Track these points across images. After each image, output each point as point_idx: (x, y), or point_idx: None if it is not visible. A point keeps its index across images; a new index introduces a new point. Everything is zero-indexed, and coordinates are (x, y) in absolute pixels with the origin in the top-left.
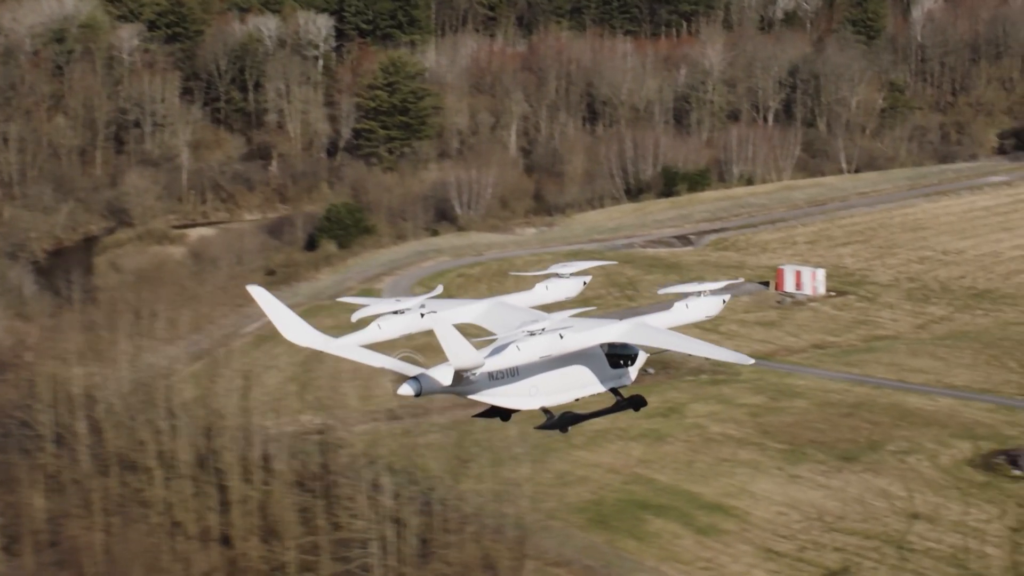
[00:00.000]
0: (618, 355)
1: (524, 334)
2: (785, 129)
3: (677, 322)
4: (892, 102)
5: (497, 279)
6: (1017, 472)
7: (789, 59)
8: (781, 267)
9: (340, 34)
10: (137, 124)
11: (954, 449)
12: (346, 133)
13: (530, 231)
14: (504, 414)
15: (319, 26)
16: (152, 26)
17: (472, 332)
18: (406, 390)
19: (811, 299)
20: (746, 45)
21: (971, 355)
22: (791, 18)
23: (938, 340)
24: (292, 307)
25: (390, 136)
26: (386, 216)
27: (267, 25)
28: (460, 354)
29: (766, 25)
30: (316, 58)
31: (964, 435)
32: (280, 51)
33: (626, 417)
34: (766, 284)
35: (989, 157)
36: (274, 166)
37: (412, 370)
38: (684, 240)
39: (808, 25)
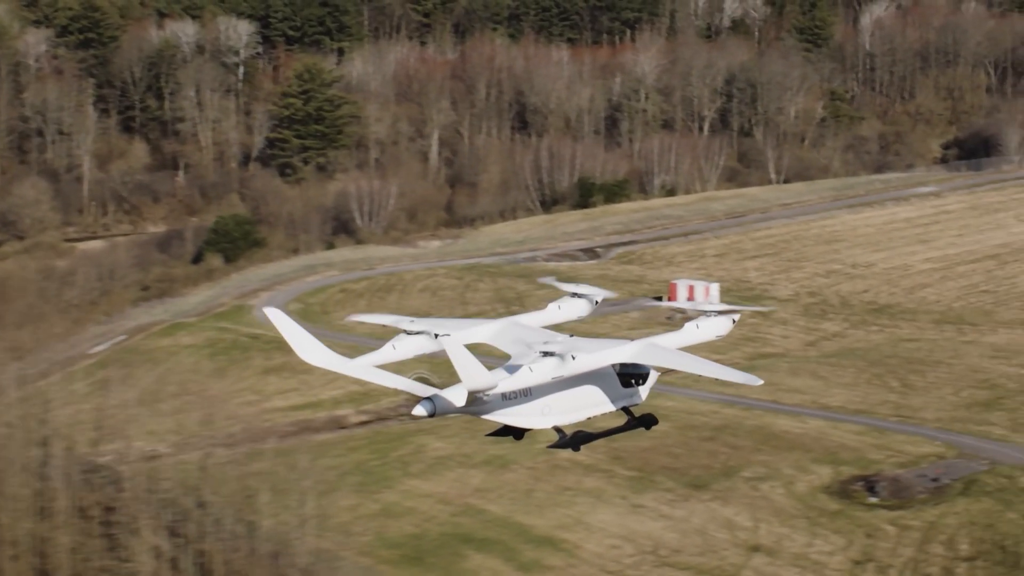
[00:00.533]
0: (629, 374)
1: (537, 355)
2: (711, 139)
3: (687, 342)
4: (833, 111)
5: (380, 295)
6: (873, 500)
7: (728, 67)
8: (674, 281)
9: (267, 40)
10: (40, 133)
11: (812, 475)
12: (260, 142)
13: (434, 244)
14: (517, 432)
15: (240, 32)
16: (64, 32)
17: (485, 352)
18: (420, 411)
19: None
20: (683, 53)
21: (853, 374)
22: (738, 26)
23: (824, 358)
24: (150, 323)
25: (304, 146)
26: (285, 229)
27: (185, 31)
28: (473, 376)
29: (713, 33)
30: (237, 65)
31: (826, 460)
32: (199, 58)
33: (474, 442)
34: (659, 299)
35: (928, 167)
36: (181, 177)
37: (426, 391)
38: (591, 253)
39: (756, 33)
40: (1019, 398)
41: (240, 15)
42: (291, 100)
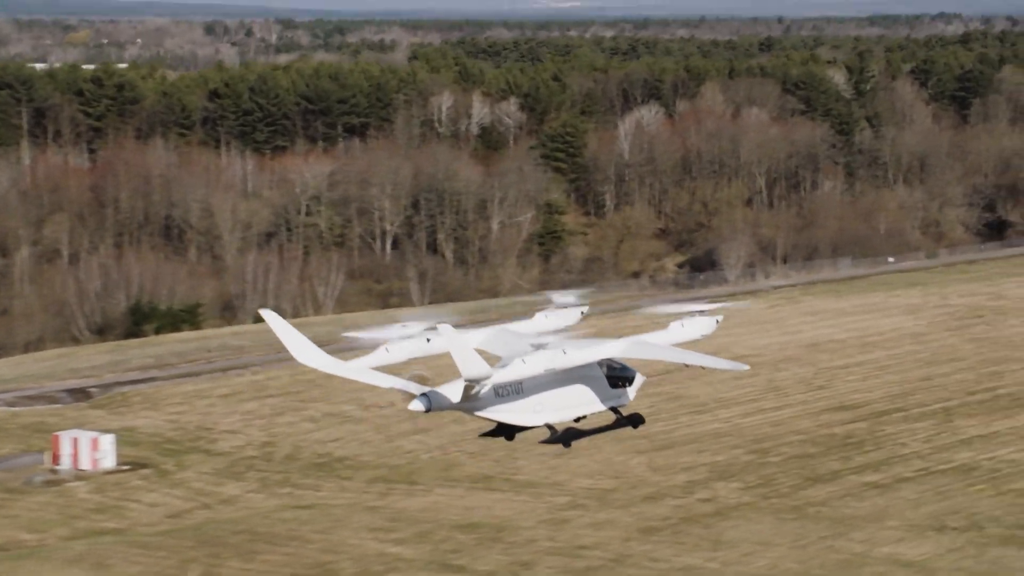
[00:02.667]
0: (617, 376)
1: (529, 348)
2: (325, 257)
3: (673, 340)
4: (549, 225)
5: None
6: None
7: (422, 176)
8: (57, 433)
9: None
10: None
11: None
12: None
13: None
14: (509, 433)
15: None
16: None
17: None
18: (416, 406)
19: (82, 475)
20: (375, 160)
21: (157, 560)
22: (487, 133)
23: (162, 535)
24: None
25: None
26: None
27: None
28: (469, 363)
29: (462, 141)
30: None
31: None
32: None
33: None
34: (42, 455)
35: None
36: None
37: (422, 389)
38: (82, 394)
39: (511, 141)
40: None
41: None
42: None
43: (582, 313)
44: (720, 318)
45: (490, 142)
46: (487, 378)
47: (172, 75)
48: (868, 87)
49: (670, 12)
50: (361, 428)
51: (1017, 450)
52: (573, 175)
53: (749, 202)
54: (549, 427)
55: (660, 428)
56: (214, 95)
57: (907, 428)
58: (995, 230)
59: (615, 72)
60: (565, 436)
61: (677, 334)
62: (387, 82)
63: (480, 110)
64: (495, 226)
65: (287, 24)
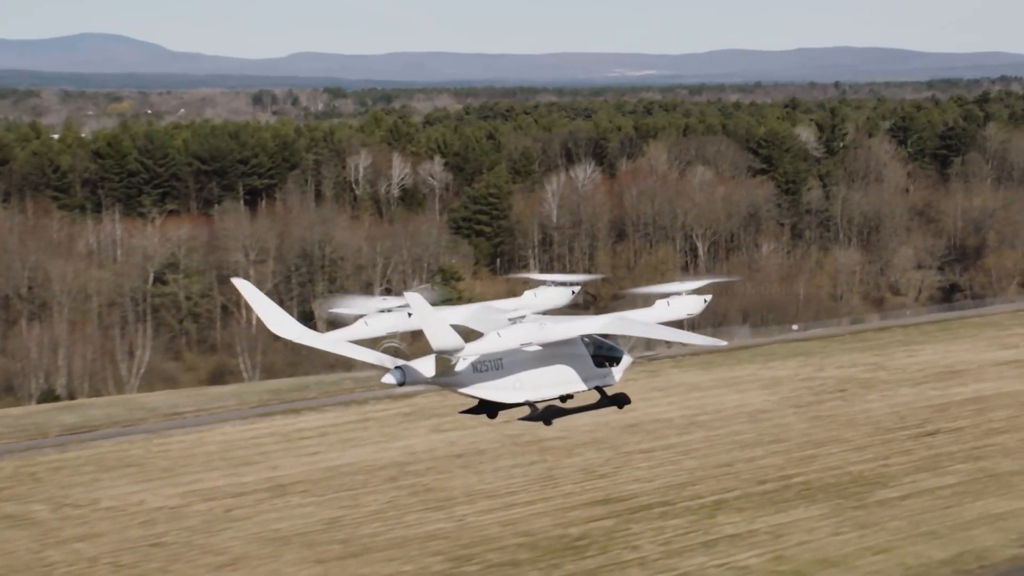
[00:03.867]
0: (603, 356)
1: (506, 322)
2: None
3: (658, 319)
4: (443, 293)
5: None
6: None
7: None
8: None
9: None
10: None
11: None
12: None
13: None
14: (492, 412)
15: None
16: None
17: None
18: (389, 379)
19: None
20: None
21: None
22: (409, 195)
23: None
24: None
25: None
26: None
27: None
28: (439, 333)
29: (388, 204)
30: None
31: None
32: None
33: None
34: None
35: None
36: None
37: (396, 362)
38: None
39: (437, 203)
40: None
41: None
42: None
43: (573, 293)
44: (708, 297)
45: (412, 203)
46: (460, 351)
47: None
48: (841, 145)
49: (732, 78)
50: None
51: (759, 554)
52: (497, 238)
53: (685, 266)
54: (530, 405)
55: (372, 530)
56: (97, 156)
57: (657, 526)
58: (948, 293)
59: (559, 131)
60: (545, 414)
61: (662, 313)
62: (293, 141)
63: (401, 170)
64: (377, 292)
65: (336, 92)
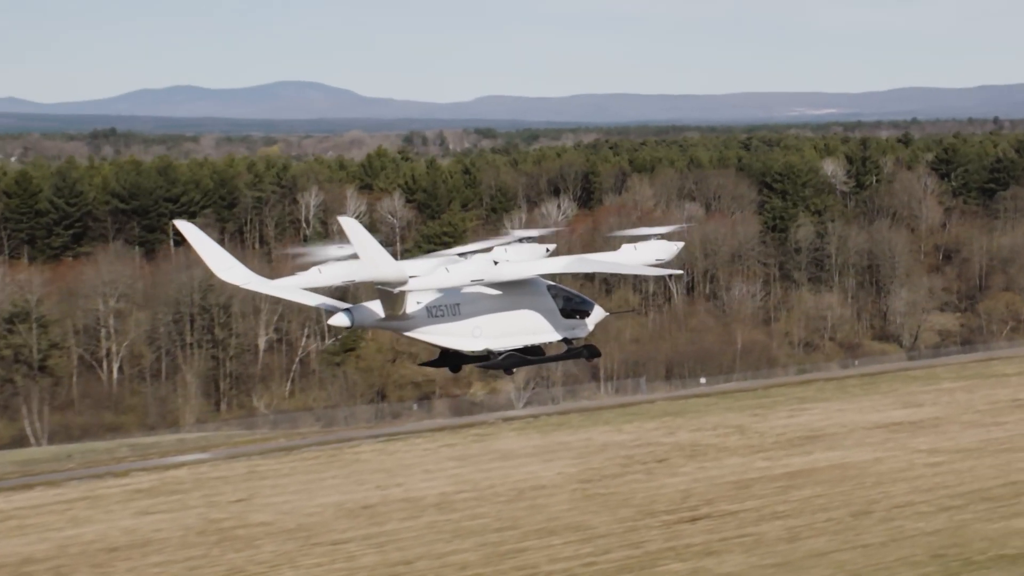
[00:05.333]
0: (573, 308)
1: (454, 258)
2: None
3: (624, 263)
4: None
5: None
6: None
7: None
8: None
9: None
10: None
11: None
12: None
13: None
14: (454, 365)
15: None
16: None
17: None
18: (339, 320)
19: None
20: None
21: None
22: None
23: None
24: None
25: None
26: None
27: None
28: (377, 261)
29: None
30: None
31: None
32: None
33: None
34: None
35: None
36: None
37: (345, 306)
38: None
39: (398, 242)
40: None
41: None
42: None
43: (547, 251)
44: (680, 244)
45: None
46: (403, 283)
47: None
48: (874, 179)
49: (912, 115)
50: None
51: None
52: None
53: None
54: (490, 352)
55: None
56: (5, 195)
57: None
58: (943, 338)
59: (548, 165)
60: (506, 361)
61: (628, 257)
62: (231, 177)
63: (355, 206)
64: (262, 344)
65: (486, 133)
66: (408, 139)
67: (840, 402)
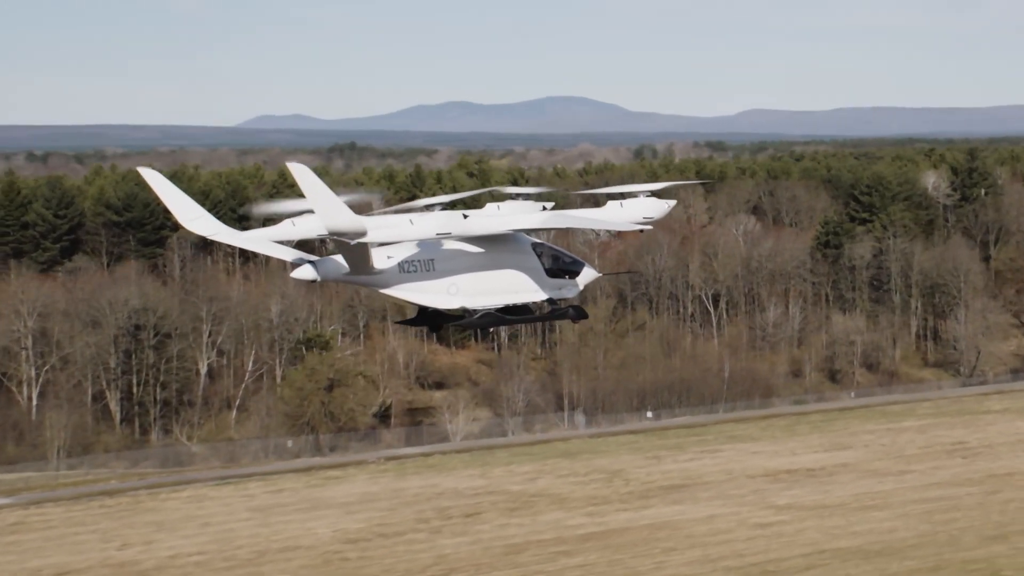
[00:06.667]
0: (560, 268)
1: (420, 210)
2: None
3: (603, 218)
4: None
5: None
6: None
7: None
8: None
9: None
10: None
11: None
12: None
13: None
14: (435, 325)
15: None
16: None
17: None
18: (304, 273)
19: None
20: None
21: None
22: None
23: None
24: None
25: None
26: None
27: None
28: (331, 211)
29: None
30: None
31: None
32: None
33: None
34: None
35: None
36: None
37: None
38: None
39: None
40: None
41: None
42: None
43: (544, 208)
44: (671, 202)
45: None
46: (360, 234)
47: None
48: (982, 192)
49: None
50: None
51: None
52: None
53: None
54: (466, 311)
55: None
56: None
57: None
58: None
59: (593, 180)
60: (482, 321)
61: (613, 213)
62: (213, 188)
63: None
64: (203, 368)
65: (716, 146)
66: (638, 152)
67: (763, 443)
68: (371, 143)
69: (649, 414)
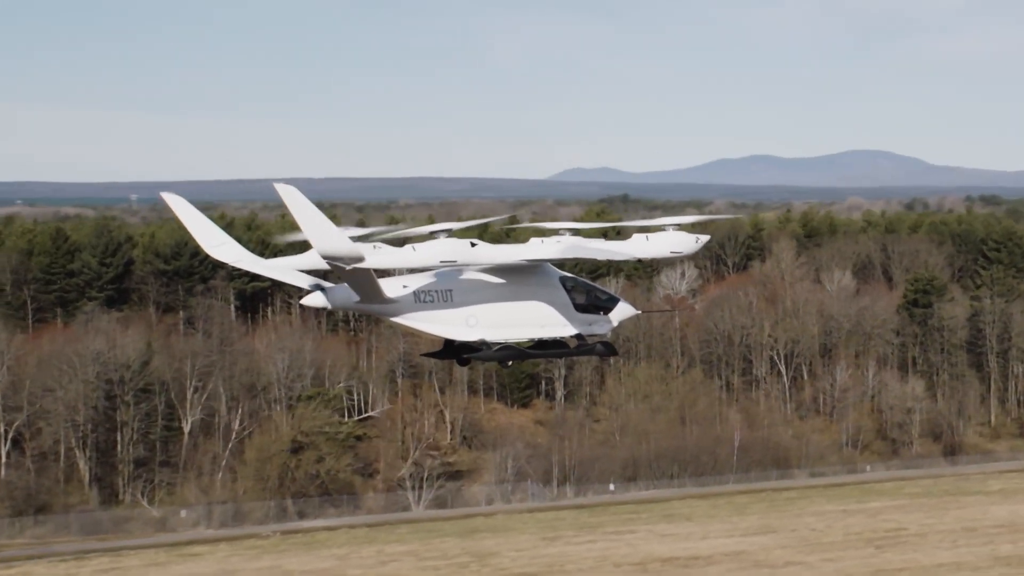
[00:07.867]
0: (592, 303)
1: (426, 234)
2: None
3: (620, 250)
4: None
5: None
6: None
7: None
8: None
9: None
10: None
11: None
12: None
13: None
14: (462, 359)
15: None
16: None
17: None
18: (314, 300)
19: None
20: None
21: None
22: None
23: None
24: None
25: None
26: None
27: None
28: (322, 234)
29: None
30: None
31: None
32: None
33: None
34: None
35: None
36: None
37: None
38: None
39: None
40: None
41: None
42: None
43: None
44: (703, 237)
45: None
46: (357, 260)
47: None
48: None
49: None
50: None
51: None
52: None
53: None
54: (484, 343)
55: None
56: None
57: None
58: None
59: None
60: (499, 355)
61: (637, 246)
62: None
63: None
64: (186, 427)
65: (990, 200)
66: (910, 205)
67: (686, 524)
68: (670, 197)
69: (611, 487)
